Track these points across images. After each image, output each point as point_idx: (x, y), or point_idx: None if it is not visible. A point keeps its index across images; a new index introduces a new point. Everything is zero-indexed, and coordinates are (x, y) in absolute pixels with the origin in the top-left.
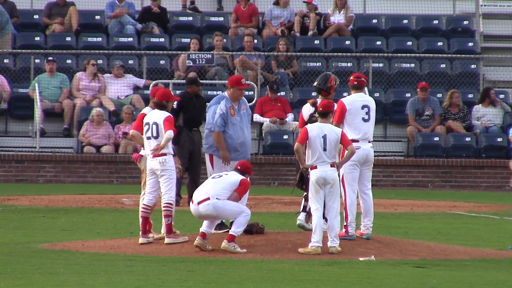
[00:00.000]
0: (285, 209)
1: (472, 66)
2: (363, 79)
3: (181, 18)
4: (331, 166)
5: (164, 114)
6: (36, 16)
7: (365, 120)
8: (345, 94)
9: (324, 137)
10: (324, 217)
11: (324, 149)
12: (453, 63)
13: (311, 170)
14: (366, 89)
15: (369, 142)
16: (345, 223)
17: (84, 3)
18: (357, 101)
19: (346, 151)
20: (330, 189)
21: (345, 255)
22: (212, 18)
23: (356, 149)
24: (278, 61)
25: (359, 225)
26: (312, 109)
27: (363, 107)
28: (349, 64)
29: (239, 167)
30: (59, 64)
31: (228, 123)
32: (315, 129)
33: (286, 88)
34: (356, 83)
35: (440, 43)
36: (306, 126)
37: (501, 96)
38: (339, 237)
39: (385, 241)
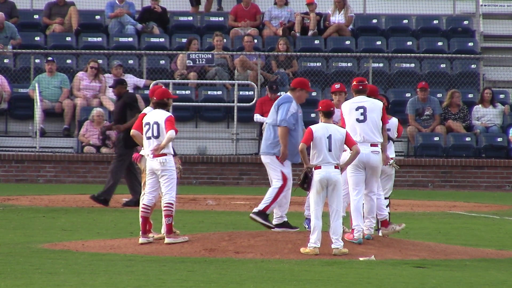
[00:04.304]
0: None
1: (472, 66)
2: (366, 83)
3: (181, 18)
4: (335, 168)
5: (165, 114)
6: (36, 16)
7: (359, 121)
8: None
9: (329, 137)
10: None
11: (329, 150)
12: (453, 63)
13: (315, 170)
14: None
15: (372, 145)
16: (352, 228)
17: (84, 3)
18: (353, 103)
19: (351, 152)
20: (332, 191)
21: (345, 255)
22: (212, 18)
23: None
24: (278, 61)
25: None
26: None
27: (358, 108)
28: (349, 64)
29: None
30: (59, 64)
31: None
32: (320, 130)
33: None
34: (361, 87)
35: (440, 43)
36: (310, 126)
37: (501, 96)
38: (348, 239)
39: (385, 241)
